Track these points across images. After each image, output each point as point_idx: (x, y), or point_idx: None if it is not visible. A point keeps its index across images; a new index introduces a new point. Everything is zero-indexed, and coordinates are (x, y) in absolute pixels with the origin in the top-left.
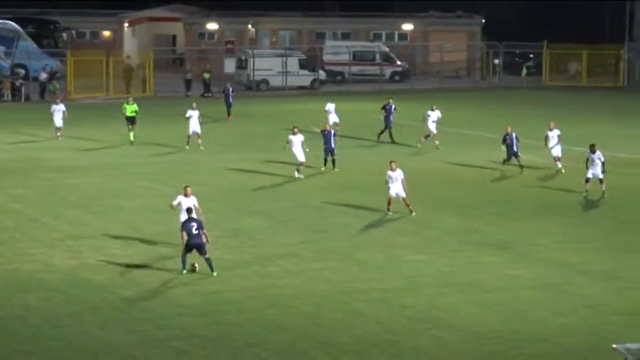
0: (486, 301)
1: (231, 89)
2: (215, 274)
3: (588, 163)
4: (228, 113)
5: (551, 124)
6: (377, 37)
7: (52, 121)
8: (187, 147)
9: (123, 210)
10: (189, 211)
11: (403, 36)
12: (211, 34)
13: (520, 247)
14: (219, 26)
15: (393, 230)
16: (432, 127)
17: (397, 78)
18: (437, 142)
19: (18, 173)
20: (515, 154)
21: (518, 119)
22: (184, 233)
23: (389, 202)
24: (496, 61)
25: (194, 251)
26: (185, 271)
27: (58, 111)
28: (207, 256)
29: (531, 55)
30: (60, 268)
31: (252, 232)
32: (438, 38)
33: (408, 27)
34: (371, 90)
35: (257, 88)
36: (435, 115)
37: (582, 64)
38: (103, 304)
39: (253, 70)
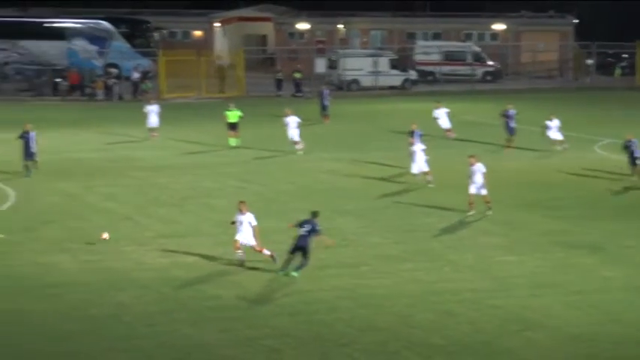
0: (579, 302)
1: (327, 92)
2: (296, 274)
3: None
4: (323, 115)
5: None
6: (468, 37)
7: (146, 121)
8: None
9: (214, 209)
10: (314, 214)
11: (494, 36)
12: (302, 33)
13: (611, 249)
14: (310, 26)
15: (481, 231)
16: (556, 135)
17: (489, 78)
18: (559, 148)
19: (111, 172)
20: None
21: (610, 120)
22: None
23: (470, 201)
24: (589, 62)
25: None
26: (282, 273)
27: (152, 111)
28: (307, 261)
29: (625, 55)
30: (152, 266)
31: (344, 232)
32: (529, 38)
33: (499, 27)
34: (462, 90)
35: (347, 88)
36: (554, 123)
37: None
38: (194, 303)
39: (344, 69)
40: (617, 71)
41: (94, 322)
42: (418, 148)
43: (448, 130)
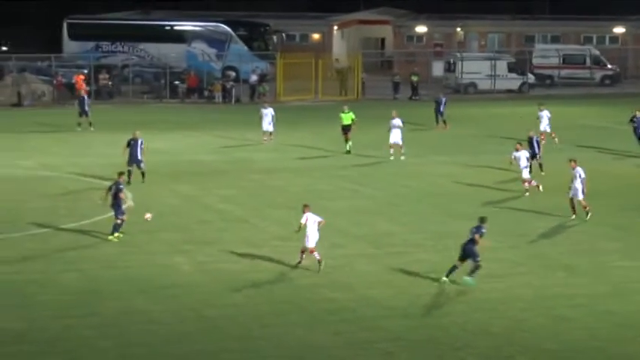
0: None
1: (444, 99)
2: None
3: None
4: (438, 121)
5: None
6: (587, 40)
7: (260, 123)
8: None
9: (328, 211)
10: (482, 219)
11: (614, 39)
12: (420, 36)
13: None
14: (428, 29)
15: (595, 235)
16: None
17: (607, 82)
18: None
19: (228, 174)
20: None
21: None
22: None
23: (571, 205)
24: None
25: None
26: (446, 279)
27: (267, 114)
28: (478, 260)
29: None
30: (266, 268)
31: (457, 236)
32: None
33: (619, 30)
34: (581, 94)
35: (465, 91)
36: None
37: None
38: (309, 305)
39: (461, 72)
40: None
41: (209, 322)
42: (523, 154)
43: (542, 134)
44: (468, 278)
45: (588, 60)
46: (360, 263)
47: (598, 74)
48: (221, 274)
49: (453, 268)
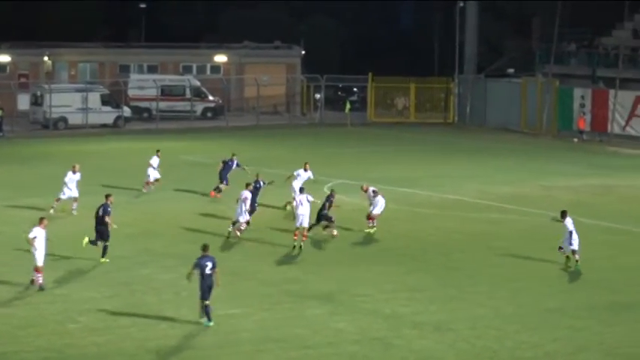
0: (306, 357)
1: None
2: (212, 323)
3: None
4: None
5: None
6: (187, 69)
7: None
8: None
9: None
10: (204, 247)
11: (216, 68)
12: (3, 66)
13: (345, 298)
14: (12, 58)
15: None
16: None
17: (210, 115)
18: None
19: None
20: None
21: (338, 158)
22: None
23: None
24: (317, 96)
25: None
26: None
27: None
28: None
29: (355, 89)
30: None
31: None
32: (254, 71)
33: (221, 59)
34: (181, 128)
35: (54, 126)
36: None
37: (410, 99)
38: None
39: (50, 106)
40: (347, 106)
41: None
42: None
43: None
44: None
45: (188, 91)
46: None
47: (199, 106)
48: None
49: None
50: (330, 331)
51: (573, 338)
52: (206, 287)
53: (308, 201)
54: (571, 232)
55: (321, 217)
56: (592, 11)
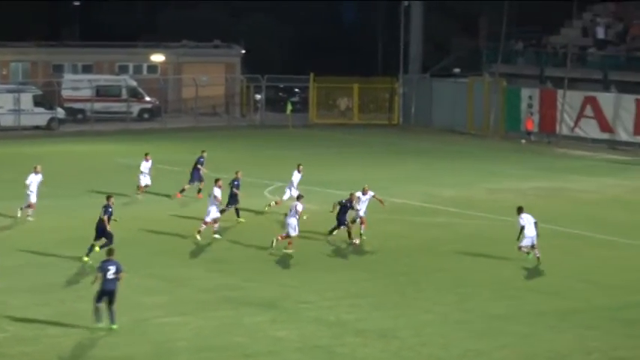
0: None
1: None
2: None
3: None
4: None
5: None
6: (123, 69)
7: None
8: None
9: None
10: (109, 252)
11: (153, 68)
12: None
13: (287, 305)
14: None
15: (141, 289)
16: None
17: (146, 116)
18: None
19: None
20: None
21: (279, 161)
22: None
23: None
24: (258, 97)
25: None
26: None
27: None
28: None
29: (297, 90)
30: None
31: None
32: (192, 71)
33: (158, 58)
34: (117, 129)
35: None
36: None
37: (353, 100)
38: None
39: None
40: (289, 107)
41: None
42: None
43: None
44: None
45: (124, 92)
46: None
47: (136, 107)
48: None
49: None
50: (270, 339)
51: (521, 345)
52: (104, 291)
53: (297, 210)
54: (522, 228)
55: (341, 222)
56: (540, 10)
